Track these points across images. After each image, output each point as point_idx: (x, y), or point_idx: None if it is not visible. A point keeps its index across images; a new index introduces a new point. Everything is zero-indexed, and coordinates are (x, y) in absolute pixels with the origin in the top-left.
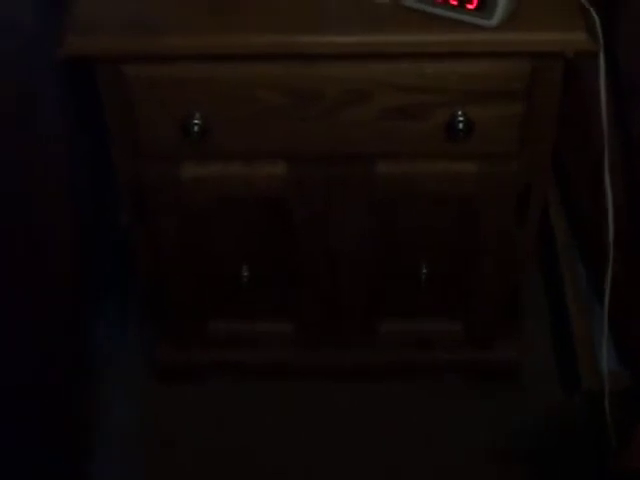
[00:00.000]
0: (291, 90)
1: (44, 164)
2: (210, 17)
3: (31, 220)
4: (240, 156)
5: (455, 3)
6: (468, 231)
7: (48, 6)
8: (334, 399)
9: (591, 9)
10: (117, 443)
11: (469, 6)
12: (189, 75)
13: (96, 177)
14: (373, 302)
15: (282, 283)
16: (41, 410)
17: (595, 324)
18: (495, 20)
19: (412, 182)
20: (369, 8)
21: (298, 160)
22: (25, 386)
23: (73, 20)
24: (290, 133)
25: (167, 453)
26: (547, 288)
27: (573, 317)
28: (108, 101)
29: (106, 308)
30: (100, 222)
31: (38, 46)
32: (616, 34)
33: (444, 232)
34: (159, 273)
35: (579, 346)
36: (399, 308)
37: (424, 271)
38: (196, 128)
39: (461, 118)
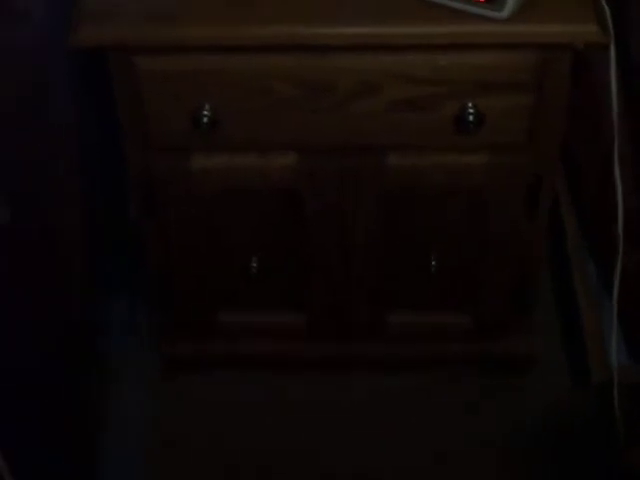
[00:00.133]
0: (303, 82)
1: (56, 152)
2: (223, 8)
3: (41, 207)
4: (251, 148)
5: None
6: (478, 223)
7: None
8: (343, 391)
9: (602, 0)
10: (123, 435)
11: None
12: (201, 66)
13: (106, 167)
14: (383, 294)
15: (292, 274)
16: (50, 407)
17: (605, 318)
18: (506, 12)
19: (422, 174)
20: (381, 0)
21: (309, 152)
22: (27, 385)
23: (86, 10)
24: (301, 125)
25: (173, 446)
26: (557, 282)
27: (583, 311)
28: (119, 92)
29: (115, 299)
30: (110, 213)
31: (51, 36)
32: (627, 26)
33: (454, 224)
34: (169, 265)
35: (589, 340)
36: (409, 300)
37: (434, 263)
38: (206, 119)
39: (471, 110)
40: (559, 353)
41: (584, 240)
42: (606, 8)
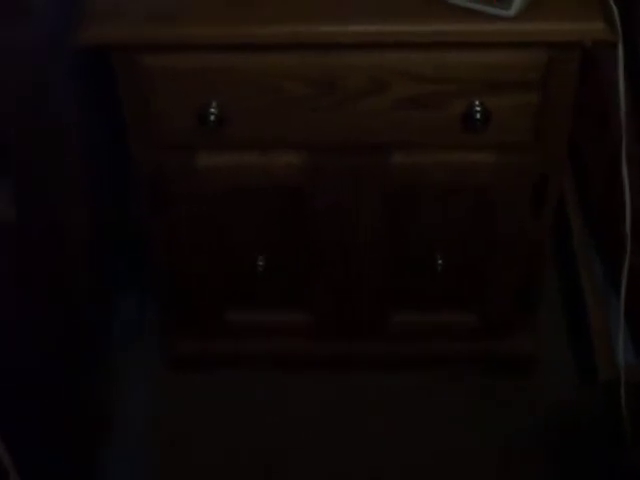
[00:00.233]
0: (309, 80)
1: (60, 152)
2: (230, 7)
3: (47, 206)
4: (257, 145)
5: None
6: (484, 222)
7: None
8: (347, 389)
9: None
10: (128, 433)
11: None
12: (207, 65)
13: (113, 166)
14: (388, 293)
15: (298, 273)
16: (50, 407)
17: (612, 316)
18: (513, 10)
19: (428, 172)
20: None
21: (315, 150)
22: (28, 385)
23: (91, 9)
24: (307, 123)
25: (178, 444)
26: (563, 280)
27: (590, 309)
28: (125, 90)
29: (122, 298)
30: (115, 211)
31: (52, 35)
32: (635, 24)
33: (460, 223)
34: (175, 263)
35: (596, 338)
36: (414, 299)
37: (439, 262)
38: (212, 117)
39: (478, 108)
40: (566, 351)
41: (591, 239)
42: (614, 6)
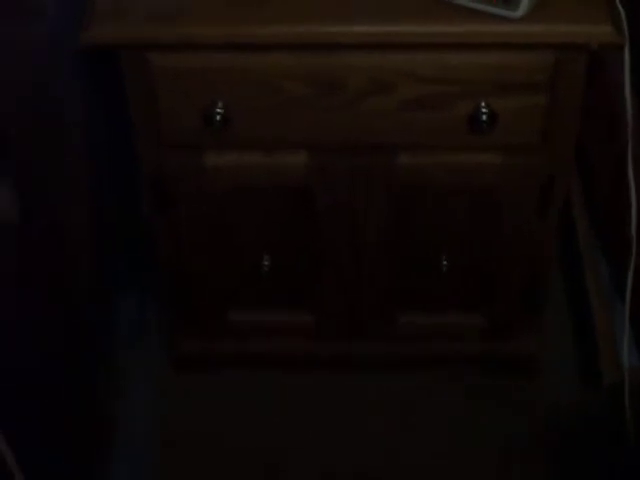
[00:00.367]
0: (314, 80)
1: (63, 151)
2: (230, 7)
3: (49, 205)
4: (262, 145)
5: None
6: (490, 223)
7: None
8: (351, 390)
9: (617, 1)
10: (132, 433)
11: None
12: (213, 64)
13: (116, 165)
14: (394, 293)
15: (303, 273)
16: (50, 406)
17: (617, 319)
18: (520, 11)
19: (434, 173)
20: None
21: (320, 150)
22: (28, 385)
23: (97, 8)
24: (313, 123)
25: (181, 444)
26: (568, 283)
27: (595, 311)
28: (131, 89)
29: (124, 297)
30: (120, 211)
31: (57, 34)
32: None
33: (465, 224)
34: (180, 262)
35: (600, 340)
36: (420, 299)
37: (445, 262)
38: (218, 117)
39: (484, 109)
40: (569, 353)
41: (597, 240)
42: (621, 9)
